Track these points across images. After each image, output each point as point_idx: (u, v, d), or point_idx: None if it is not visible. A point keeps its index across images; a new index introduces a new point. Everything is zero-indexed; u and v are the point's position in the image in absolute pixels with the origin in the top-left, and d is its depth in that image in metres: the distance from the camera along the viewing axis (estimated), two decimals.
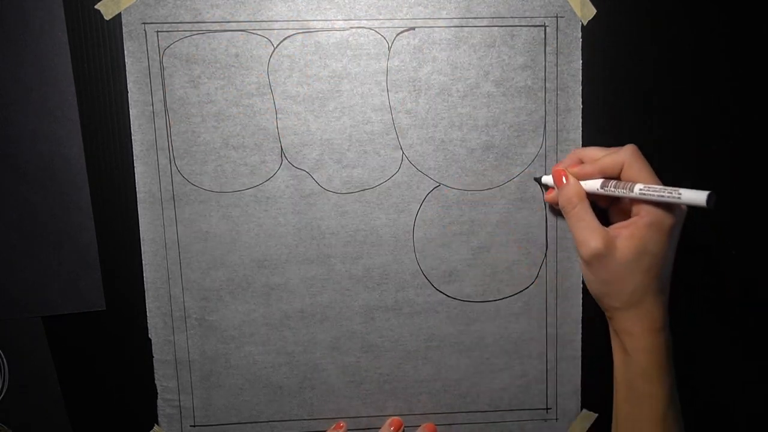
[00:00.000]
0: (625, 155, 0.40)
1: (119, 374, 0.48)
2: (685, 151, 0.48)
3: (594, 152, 0.43)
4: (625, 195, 0.39)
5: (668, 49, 0.47)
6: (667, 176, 0.49)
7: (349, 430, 0.50)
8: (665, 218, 0.38)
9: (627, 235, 0.39)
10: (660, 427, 0.40)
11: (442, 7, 0.46)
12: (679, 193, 0.36)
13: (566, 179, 0.42)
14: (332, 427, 0.49)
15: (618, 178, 0.40)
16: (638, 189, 0.38)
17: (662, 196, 0.37)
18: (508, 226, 0.48)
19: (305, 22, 0.46)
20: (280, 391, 0.49)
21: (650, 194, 0.37)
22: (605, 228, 0.40)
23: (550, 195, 0.46)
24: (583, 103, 0.47)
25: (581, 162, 0.43)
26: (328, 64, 0.46)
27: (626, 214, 0.41)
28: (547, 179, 0.46)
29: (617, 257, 0.38)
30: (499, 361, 0.50)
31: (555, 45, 0.47)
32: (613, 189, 0.40)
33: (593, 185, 0.41)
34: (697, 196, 0.35)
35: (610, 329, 0.43)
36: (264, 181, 0.47)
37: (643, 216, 0.39)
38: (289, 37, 0.46)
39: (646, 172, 0.39)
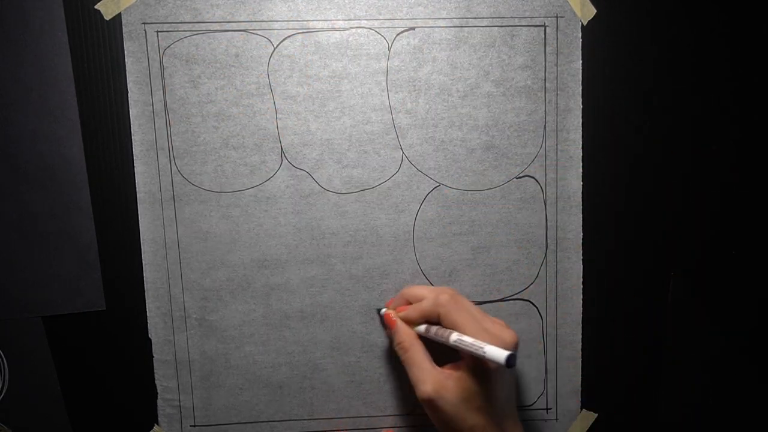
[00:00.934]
0: (441, 302, 0.42)
1: (119, 374, 0.48)
2: (685, 151, 0.48)
3: (419, 292, 0.44)
4: (443, 342, 0.41)
5: (668, 49, 0.48)
6: (668, 176, 0.49)
7: (349, 429, 0.50)
8: (485, 365, 0.40)
9: (455, 377, 0.40)
10: None
11: (442, 7, 0.46)
12: (483, 351, 0.38)
13: (395, 324, 0.44)
14: None
15: (438, 322, 0.42)
16: (452, 339, 0.40)
17: (471, 349, 0.39)
18: (508, 226, 0.48)
19: (305, 22, 0.46)
20: (280, 391, 0.49)
21: (462, 345, 0.39)
22: (438, 370, 0.41)
23: (386, 331, 0.47)
24: (583, 103, 0.47)
25: (408, 302, 0.45)
26: (328, 64, 0.46)
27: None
28: (382, 313, 0.47)
29: (447, 398, 0.40)
30: None
31: (555, 45, 0.47)
32: (434, 335, 0.42)
33: (420, 330, 0.44)
34: (498, 354, 0.37)
35: None
36: (264, 181, 0.47)
37: (467, 361, 0.41)
38: (289, 37, 0.46)
39: (464, 316, 0.41)
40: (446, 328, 0.41)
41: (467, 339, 0.39)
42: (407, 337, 0.43)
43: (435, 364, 0.42)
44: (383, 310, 0.47)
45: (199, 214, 0.47)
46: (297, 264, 0.48)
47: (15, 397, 0.47)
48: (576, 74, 0.47)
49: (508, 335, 0.41)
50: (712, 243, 0.50)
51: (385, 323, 0.46)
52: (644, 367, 0.50)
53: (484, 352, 0.38)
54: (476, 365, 0.40)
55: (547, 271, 0.49)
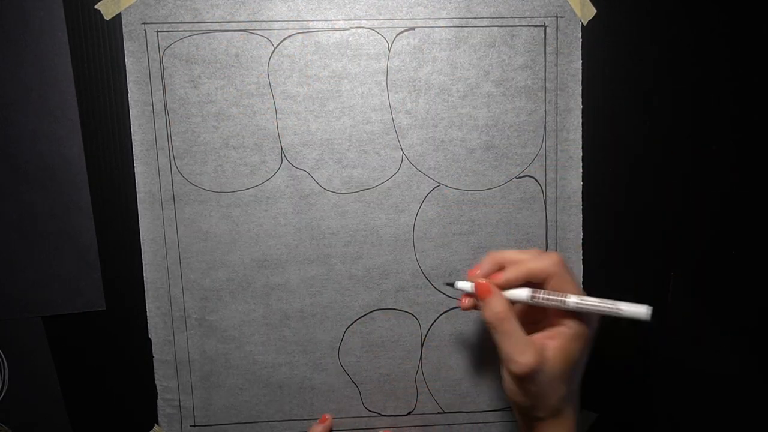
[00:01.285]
0: (553, 265, 0.38)
1: (119, 374, 0.48)
2: (685, 151, 0.48)
3: (514, 255, 0.40)
4: (558, 307, 0.38)
5: (668, 49, 0.48)
6: (668, 176, 0.49)
7: (349, 430, 0.50)
8: (588, 329, 0.38)
9: (556, 346, 0.38)
10: None
11: (442, 7, 0.46)
12: (620, 308, 0.36)
13: (492, 292, 0.39)
14: (317, 422, 0.49)
15: (540, 285, 0.39)
16: (573, 301, 0.37)
17: (600, 309, 0.36)
18: (508, 226, 0.48)
19: (305, 22, 0.46)
20: (280, 391, 0.49)
21: (587, 307, 0.37)
22: (534, 340, 0.38)
23: (466, 303, 0.42)
24: (583, 103, 0.47)
25: (500, 268, 0.40)
26: (328, 64, 0.46)
27: (534, 323, 0.40)
28: (464, 285, 0.42)
29: (547, 371, 0.37)
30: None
31: (555, 45, 0.47)
32: (544, 300, 0.38)
33: (520, 295, 0.39)
34: (639, 310, 0.35)
35: None
36: (264, 181, 0.47)
37: (570, 327, 0.38)
38: (289, 37, 0.46)
39: (573, 281, 0.38)
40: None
41: (594, 300, 0.36)
42: (504, 307, 0.38)
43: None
44: (459, 283, 0.42)
45: (199, 214, 0.47)
46: (297, 264, 0.48)
47: (15, 397, 0.47)
48: (576, 74, 0.47)
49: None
50: (712, 243, 0.50)
51: (465, 290, 0.41)
52: (644, 367, 0.50)
53: (620, 310, 0.35)
54: (578, 333, 0.38)
55: None
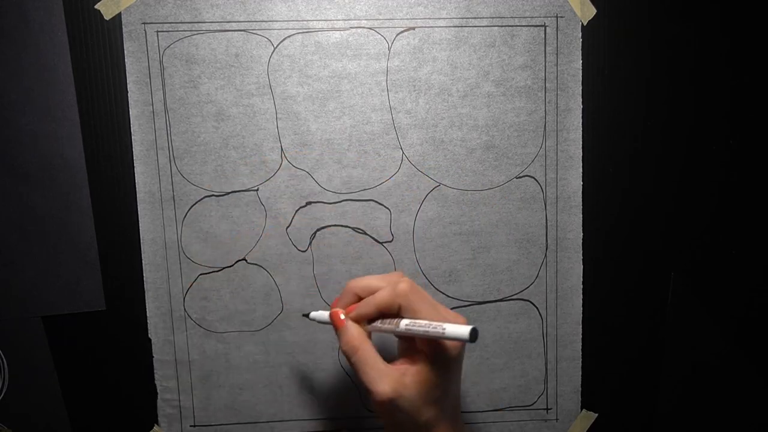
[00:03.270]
0: (401, 293, 0.38)
1: (119, 374, 0.48)
2: (685, 151, 0.48)
3: (369, 282, 0.40)
4: (392, 331, 0.38)
5: (668, 49, 0.48)
6: (668, 176, 0.49)
7: (349, 429, 0.50)
8: (446, 352, 0.37)
9: (413, 371, 0.37)
10: None
11: (442, 7, 0.46)
12: (443, 329, 0.35)
13: (343, 324, 0.40)
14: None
15: (398, 314, 0.38)
16: (404, 324, 0.37)
17: (427, 332, 0.36)
18: (508, 226, 0.48)
19: (305, 22, 0.46)
20: (280, 391, 0.49)
21: (416, 330, 0.36)
22: (393, 367, 0.38)
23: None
24: (583, 103, 0.47)
25: (358, 297, 0.40)
26: (328, 64, 0.46)
27: (410, 350, 0.39)
28: (319, 316, 0.43)
29: (407, 396, 0.37)
30: (499, 361, 0.50)
31: (555, 45, 0.47)
32: (380, 325, 0.39)
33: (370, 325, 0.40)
34: (461, 331, 0.34)
35: None
36: (264, 181, 0.47)
37: (426, 351, 0.38)
38: (289, 37, 0.46)
39: (426, 306, 0.37)
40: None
41: (423, 321, 0.36)
42: (357, 336, 0.39)
43: (386, 363, 0.38)
44: (313, 314, 0.43)
45: (199, 214, 0.47)
46: (297, 264, 0.48)
47: (15, 397, 0.47)
48: (576, 74, 0.47)
49: (464, 322, 0.37)
50: (712, 243, 0.50)
51: (321, 321, 0.42)
52: (644, 367, 0.50)
53: (444, 330, 0.35)
54: (435, 354, 0.37)
55: (547, 271, 0.49)
